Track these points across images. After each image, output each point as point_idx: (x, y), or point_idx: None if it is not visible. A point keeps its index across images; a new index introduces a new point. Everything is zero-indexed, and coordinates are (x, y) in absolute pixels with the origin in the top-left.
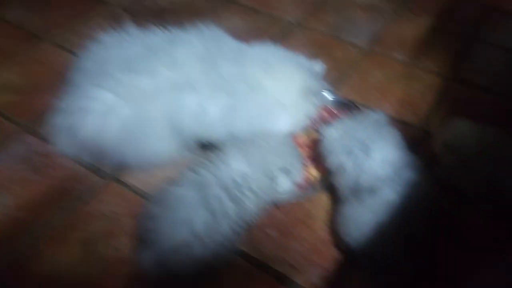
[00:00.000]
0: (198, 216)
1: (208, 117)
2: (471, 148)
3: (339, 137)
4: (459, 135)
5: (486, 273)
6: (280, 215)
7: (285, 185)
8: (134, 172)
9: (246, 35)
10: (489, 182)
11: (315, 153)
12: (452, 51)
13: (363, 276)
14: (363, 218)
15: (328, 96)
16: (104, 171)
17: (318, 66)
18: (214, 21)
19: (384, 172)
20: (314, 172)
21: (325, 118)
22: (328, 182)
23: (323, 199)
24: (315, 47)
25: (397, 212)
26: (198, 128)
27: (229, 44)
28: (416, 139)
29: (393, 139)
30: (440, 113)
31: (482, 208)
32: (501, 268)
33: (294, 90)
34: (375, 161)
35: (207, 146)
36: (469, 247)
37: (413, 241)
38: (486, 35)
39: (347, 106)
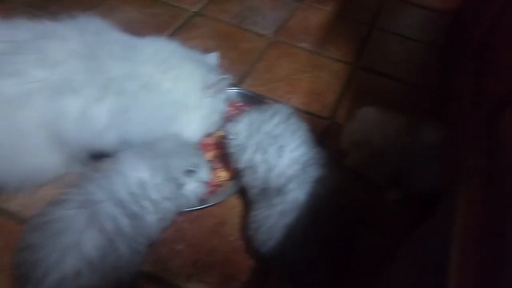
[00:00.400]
0: (87, 239)
1: (95, 123)
2: (375, 137)
3: (246, 134)
4: (364, 124)
5: (400, 259)
6: (188, 226)
7: (191, 189)
8: (10, 194)
9: (143, 27)
10: (395, 171)
11: (223, 153)
12: (355, 39)
13: (280, 282)
14: (272, 221)
15: (234, 90)
16: None
17: (214, 59)
18: (106, 13)
19: (291, 171)
20: (223, 175)
21: (233, 115)
22: (238, 184)
23: (234, 204)
24: (219, 38)
25: (305, 212)
26: (84, 137)
27: (117, 38)
28: (325, 130)
29: (301, 134)
30: (346, 102)
31: (392, 197)
32: (411, 251)
33: (193, 87)
34: (283, 159)
35: (100, 157)
36: (383, 235)
37: (325, 239)
38: (385, 23)
39: (255, 100)
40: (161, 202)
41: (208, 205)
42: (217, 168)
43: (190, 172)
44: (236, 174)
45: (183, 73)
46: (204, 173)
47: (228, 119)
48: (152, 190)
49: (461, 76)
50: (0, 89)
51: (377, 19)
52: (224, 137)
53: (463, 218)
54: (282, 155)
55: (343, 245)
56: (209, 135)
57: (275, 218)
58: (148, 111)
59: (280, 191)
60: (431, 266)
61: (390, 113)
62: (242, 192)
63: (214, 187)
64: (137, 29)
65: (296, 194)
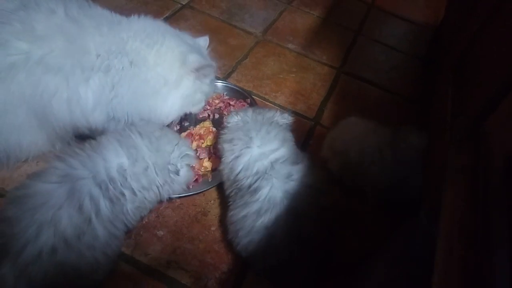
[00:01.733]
0: (65, 216)
1: (81, 101)
2: (354, 147)
3: (234, 129)
4: (345, 133)
5: (380, 258)
6: (170, 213)
7: (183, 173)
8: None
9: (130, 14)
10: (374, 178)
11: (211, 144)
12: (341, 44)
13: (259, 278)
14: (250, 222)
15: (221, 84)
16: None
17: (205, 41)
18: None
19: (259, 165)
20: (208, 165)
21: (219, 106)
22: (220, 176)
23: (216, 194)
24: (207, 32)
25: (284, 211)
26: (70, 115)
27: (103, 14)
28: (309, 131)
29: (278, 132)
30: (330, 105)
31: (372, 201)
32: (392, 251)
33: (175, 63)
34: (250, 150)
35: (85, 137)
36: (364, 237)
37: (305, 240)
38: (370, 31)
39: (241, 95)
40: (140, 192)
41: (190, 193)
42: (202, 158)
43: (183, 157)
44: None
45: (165, 48)
46: (189, 160)
47: (216, 111)
48: (132, 179)
49: (442, 86)
50: None
51: (363, 27)
52: (212, 129)
53: (449, 214)
54: (250, 146)
55: (324, 246)
56: (197, 124)
57: (252, 219)
58: (135, 86)
59: (251, 188)
60: (411, 265)
61: (372, 123)
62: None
63: (198, 177)
64: (125, 13)
65: (271, 191)
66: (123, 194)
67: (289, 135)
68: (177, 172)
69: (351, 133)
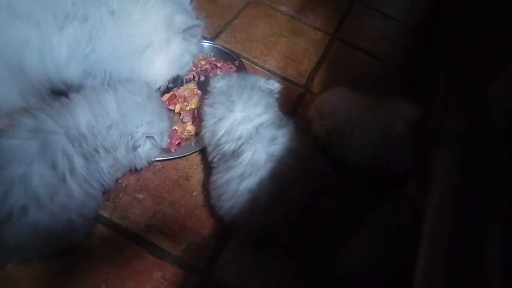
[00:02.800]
0: (36, 173)
1: (54, 52)
2: (340, 110)
3: (217, 93)
4: (334, 97)
5: (366, 228)
6: (151, 176)
7: (144, 151)
8: None
9: None
10: (359, 147)
11: (196, 108)
12: (335, 10)
13: (241, 243)
14: (234, 186)
15: (208, 44)
16: None
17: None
18: None
19: (242, 129)
20: (191, 129)
21: (205, 68)
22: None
23: (199, 159)
24: None
25: (268, 175)
26: (47, 68)
27: None
28: (298, 98)
29: (262, 96)
30: (322, 71)
31: (361, 170)
32: (378, 220)
33: (161, 24)
34: (233, 114)
35: (63, 93)
36: (349, 207)
37: (289, 205)
38: None
39: (229, 57)
40: (113, 151)
41: (173, 157)
42: (185, 122)
43: (147, 137)
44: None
45: (152, 5)
46: (160, 139)
47: (202, 72)
48: (99, 136)
49: (437, 57)
50: None
51: None
52: (196, 91)
53: (441, 182)
54: (232, 109)
55: (308, 212)
56: (177, 85)
57: (236, 182)
58: (115, 41)
59: (235, 153)
60: (398, 236)
61: (363, 94)
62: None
63: (181, 140)
64: None
65: (254, 155)
66: (97, 151)
67: (272, 101)
68: (134, 148)
69: (340, 98)
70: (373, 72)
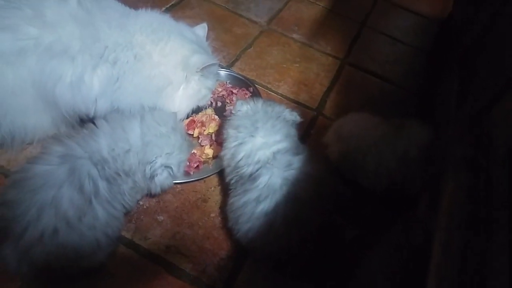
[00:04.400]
0: (65, 196)
1: (87, 89)
2: (359, 134)
3: (242, 117)
4: (352, 122)
5: (380, 249)
6: (171, 199)
7: (160, 180)
8: None
9: (138, 2)
10: (374, 171)
11: (213, 132)
12: (345, 35)
13: (258, 265)
14: (250, 209)
15: (224, 72)
16: None
17: (203, 30)
18: None
19: (261, 154)
20: (209, 152)
21: (222, 95)
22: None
23: (217, 181)
24: (212, 20)
25: (283, 198)
26: (75, 101)
27: (113, 6)
28: (311, 121)
29: (283, 126)
30: (333, 95)
31: (375, 193)
32: (391, 242)
33: (179, 63)
34: (255, 139)
35: (89, 121)
36: (363, 227)
37: (305, 228)
38: (376, 23)
39: (244, 84)
40: (131, 175)
41: (192, 180)
42: (203, 145)
43: (165, 167)
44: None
45: (170, 47)
46: (177, 169)
47: (218, 99)
48: (119, 160)
49: (447, 79)
50: None
51: (368, 19)
52: (215, 117)
53: (448, 206)
54: (255, 135)
55: (324, 234)
56: (196, 111)
57: (252, 205)
58: (138, 81)
59: (252, 176)
60: (410, 256)
61: (378, 118)
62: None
63: (199, 163)
64: (131, 3)
65: (270, 179)
66: (118, 175)
67: (293, 131)
68: (151, 177)
69: (359, 124)
70: (384, 95)
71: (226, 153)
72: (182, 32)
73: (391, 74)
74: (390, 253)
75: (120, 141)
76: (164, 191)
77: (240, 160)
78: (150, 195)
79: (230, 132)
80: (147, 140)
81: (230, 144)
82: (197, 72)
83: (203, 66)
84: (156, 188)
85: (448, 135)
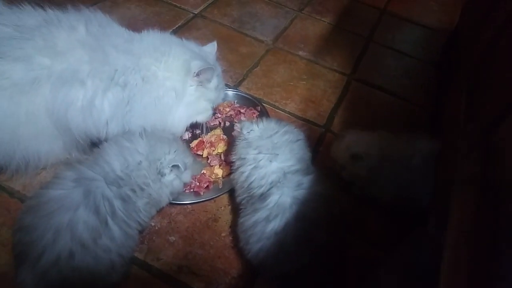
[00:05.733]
0: (80, 219)
1: (99, 113)
2: (374, 151)
3: (256, 135)
4: (361, 139)
5: (388, 266)
6: (182, 219)
7: (169, 180)
8: (13, 174)
9: (145, 25)
10: (385, 186)
11: (222, 152)
12: (352, 51)
13: (269, 284)
14: (260, 228)
15: (231, 92)
16: None
17: (213, 48)
18: (110, 8)
19: (274, 176)
20: (218, 172)
21: (230, 114)
22: (231, 183)
23: (227, 201)
24: (219, 40)
25: (293, 217)
26: (88, 126)
27: (119, 32)
28: (319, 138)
29: (298, 151)
30: (341, 111)
31: (386, 208)
32: (400, 259)
33: (185, 76)
34: (272, 165)
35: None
36: (373, 244)
37: (316, 247)
38: (381, 37)
39: (252, 103)
40: (146, 188)
41: (202, 200)
42: (213, 165)
43: (173, 166)
44: (230, 173)
45: (172, 58)
46: (184, 168)
47: (226, 119)
48: (134, 175)
49: (455, 93)
50: (7, 73)
51: (374, 33)
52: (222, 137)
53: (456, 225)
54: (273, 160)
55: (334, 253)
56: (204, 132)
57: (262, 225)
58: (147, 102)
59: (263, 196)
60: (419, 273)
61: (383, 132)
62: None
63: (208, 183)
64: (140, 26)
65: (280, 198)
66: (133, 191)
67: (307, 155)
68: (162, 174)
69: (367, 139)
70: (392, 110)
71: (240, 175)
72: (184, 44)
73: (399, 88)
74: (400, 270)
75: (131, 155)
76: (174, 196)
77: (253, 181)
78: (168, 204)
79: (249, 154)
80: (153, 143)
81: (246, 168)
82: (194, 76)
83: (199, 69)
84: (166, 190)
85: (456, 150)
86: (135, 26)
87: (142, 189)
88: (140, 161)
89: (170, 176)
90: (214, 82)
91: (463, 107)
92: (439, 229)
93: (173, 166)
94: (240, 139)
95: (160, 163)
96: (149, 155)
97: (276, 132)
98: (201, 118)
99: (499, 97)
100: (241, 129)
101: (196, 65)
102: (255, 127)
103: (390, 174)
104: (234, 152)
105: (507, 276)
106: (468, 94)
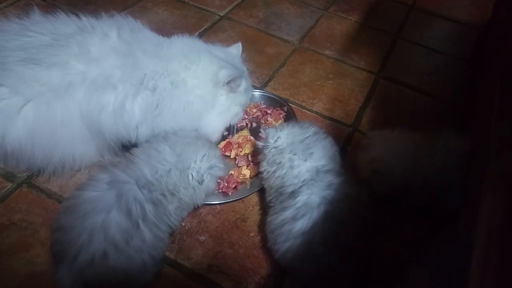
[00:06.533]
0: (113, 221)
1: (130, 117)
2: (397, 165)
3: (284, 140)
4: (383, 151)
5: (418, 266)
6: (211, 219)
7: (205, 182)
8: (50, 176)
9: (173, 28)
10: (416, 184)
11: (250, 152)
12: (379, 49)
13: (298, 285)
14: (288, 227)
15: (258, 92)
16: (14, 174)
17: (238, 49)
18: (139, 13)
19: (307, 174)
20: (246, 172)
21: (257, 115)
22: (260, 183)
23: (255, 201)
24: (245, 42)
25: (321, 218)
26: (119, 129)
27: (149, 37)
28: (347, 137)
29: (330, 149)
30: (369, 110)
31: (415, 208)
32: (430, 259)
33: (214, 88)
34: (307, 163)
35: (131, 147)
36: (403, 245)
37: (345, 249)
38: (410, 34)
39: (278, 104)
40: (177, 193)
41: (230, 200)
42: (240, 166)
43: (212, 168)
44: (259, 174)
45: (202, 67)
46: (219, 171)
47: (253, 120)
48: (164, 181)
49: (488, 89)
50: (44, 79)
51: (402, 30)
52: (251, 138)
53: (486, 224)
54: (307, 159)
55: (363, 255)
56: (231, 134)
57: (290, 224)
58: (176, 107)
59: (293, 193)
60: (449, 273)
61: (405, 133)
62: (263, 192)
63: (236, 184)
64: (168, 29)
65: (309, 197)
66: (164, 195)
67: (337, 152)
68: (200, 182)
69: (388, 149)
70: (421, 108)
71: (275, 179)
72: (211, 51)
73: (428, 86)
74: (430, 271)
75: (159, 163)
76: (208, 196)
77: (286, 180)
78: (197, 207)
79: (284, 158)
80: (179, 151)
81: (281, 172)
82: (224, 86)
83: (229, 79)
84: (200, 194)
85: (488, 148)
86: (163, 30)
87: (173, 195)
88: (170, 168)
89: (207, 180)
90: (243, 85)
91: (495, 105)
92: (468, 229)
93: (212, 168)
94: (268, 148)
95: (196, 171)
96: (177, 164)
97: (306, 133)
98: (234, 121)
99: None
100: (266, 138)
101: (224, 74)
102: (280, 133)
103: (417, 175)
104: (264, 161)
105: None
106: (500, 91)
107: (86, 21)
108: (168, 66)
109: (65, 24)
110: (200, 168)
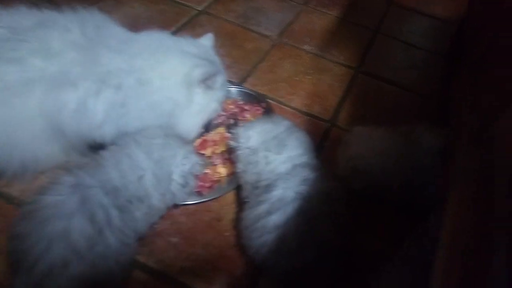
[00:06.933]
0: (75, 227)
1: (93, 116)
2: (375, 161)
3: (257, 139)
4: (361, 148)
5: (394, 262)
6: (184, 220)
7: (190, 187)
8: (10, 180)
9: (149, 23)
10: (393, 181)
11: (224, 150)
12: (358, 44)
13: (273, 282)
14: (262, 222)
15: (236, 89)
16: None
17: (209, 40)
18: (114, 7)
19: (283, 168)
20: (222, 171)
21: (234, 112)
22: (236, 181)
23: (230, 200)
24: (223, 37)
25: (296, 212)
26: (82, 128)
27: (115, 32)
28: (325, 133)
29: (304, 140)
30: (348, 106)
31: (391, 203)
32: (405, 254)
33: (188, 88)
34: (281, 156)
35: (98, 148)
36: (379, 239)
37: (320, 244)
38: (389, 29)
39: (256, 100)
40: (147, 199)
41: (205, 199)
42: (216, 164)
43: (189, 168)
44: (234, 171)
45: (169, 69)
46: (199, 166)
47: (230, 117)
48: (132, 188)
49: (461, 85)
50: (0, 75)
51: (381, 25)
52: (227, 136)
53: (452, 219)
54: (281, 152)
55: (341, 252)
56: (207, 131)
57: (264, 218)
58: (144, 106)
59: (268, 187)
60: (423, 269)
61: (383, 129)
62: (239, 190)
63: (212, 183)
64: (143, 24)
65: (284, 191)
66: (130, 202)
67: (311, 144)
68: (184, 185)
69: (366, 146)
70: (400, 102)
71: (251, 176)
72: (182, 48)
73: (406, 81)
74: (402, 269)
75: (131, 169)
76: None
77: (263, 175)
78: (174, 207)
79: (259, 157)
80: (156, 157)
81: (258, 168)
82: (200, 85)
83: (204, 76)
84: (182, 195)
85: (458, 143)
86: (138, 25)
87: (141, 201)
88: (143, 175)
89: (191, 182)
90: (219, 81)
91: (468, 99)
92: (438, 223)
93: (193, 169)
94: (240, 149)
95: (179, 175)
96: (155, 170)
97: (279, 128)
98: (211, 117)
99: (501, 89)
100: (237, 139)
101: (198, 73)
102: (251, 133)
103: (398, 181)
104: (240, 163)
105: (499, 278)
106: (472, 85)
107: (48, 14)
108: (134, 62)
109: (25, 17)
110: (183, 171)
